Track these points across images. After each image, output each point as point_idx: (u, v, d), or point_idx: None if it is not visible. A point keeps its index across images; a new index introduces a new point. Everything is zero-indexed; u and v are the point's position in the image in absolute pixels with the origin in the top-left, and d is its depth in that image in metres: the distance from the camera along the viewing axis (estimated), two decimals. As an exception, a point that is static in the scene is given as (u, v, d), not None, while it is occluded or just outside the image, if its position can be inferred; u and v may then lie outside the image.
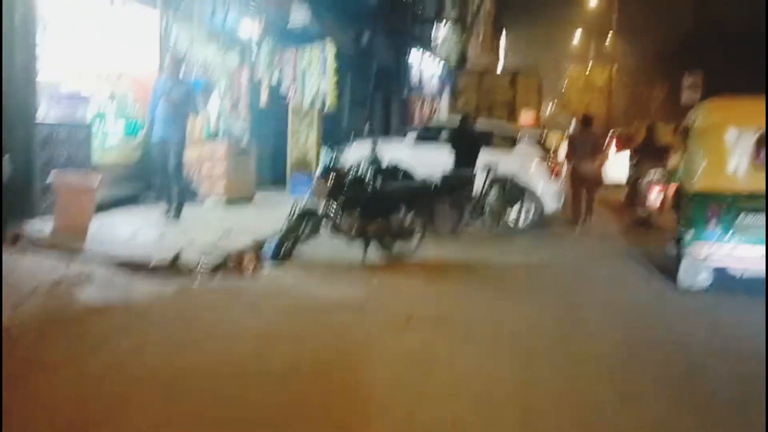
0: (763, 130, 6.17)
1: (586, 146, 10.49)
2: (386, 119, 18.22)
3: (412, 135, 11.80)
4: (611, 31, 37.09)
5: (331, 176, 7.18)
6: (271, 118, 12.36)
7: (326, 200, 7.20)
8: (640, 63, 39.18)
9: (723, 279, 6.47)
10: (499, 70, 24.80)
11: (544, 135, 12.58)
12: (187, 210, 8.37)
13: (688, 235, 6.58)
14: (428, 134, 12.17)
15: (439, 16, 23.42)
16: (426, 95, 23.29)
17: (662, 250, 7.80)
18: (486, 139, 11.56)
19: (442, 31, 25.82)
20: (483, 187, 10.18)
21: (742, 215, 6.26)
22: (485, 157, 10.43)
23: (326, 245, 7.56)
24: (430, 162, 10.60)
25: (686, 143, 7.29)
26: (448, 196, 9.55)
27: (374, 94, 16.31)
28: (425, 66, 22.71)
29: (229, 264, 6.42)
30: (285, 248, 7.10)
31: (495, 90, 19.26)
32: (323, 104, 11.89)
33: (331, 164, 7.50)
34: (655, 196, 10.76)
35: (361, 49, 14.97)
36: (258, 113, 12.01)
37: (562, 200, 11.22)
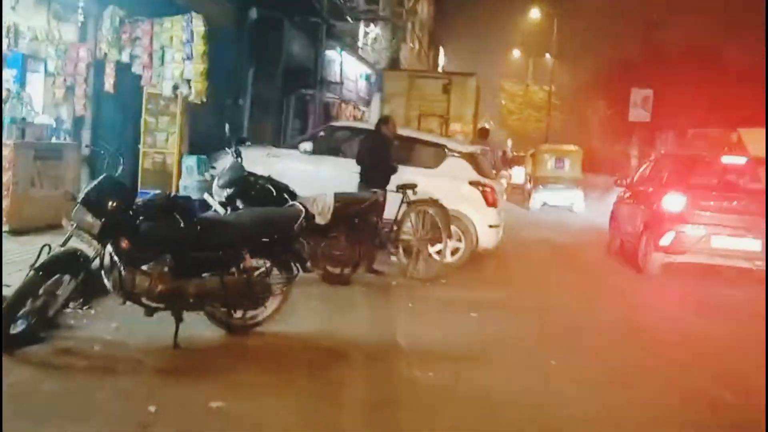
0: (557, 154, 19.19)
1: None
2: (291, 123, 15.20)
3: (309, 142, 8.83)
4: (549, 51, 35.82)
5: (109, 199, 4.12)
6: (126, 110, 9.22)
7: (104, 240, 4.15)
8: (581, 82, 38.27)
9: (544, 206, 18.13)
10: (433, 75, 22.15)
11: (479, 151, 10.01)
12: None
13: (532, 191, 18.56)
14: (332, 141, 9.39)
15: (368, 12, 20.68)
16: (349, 99, 20.47)
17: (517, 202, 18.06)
18: (407, 150, 8.92)
19: (371, 30, 23.17)
20: (398, 213, 7.40)
21: (549, 185, 18.20)
22: (405, 174, 7.73)
23: (124, 313, 4.54)
24: (330, 177, 7.98)
25: (532, 159, 19.95)
26: (343, 226, 6.72)
27: (275, 92, 13.28)
28: (349, 66, 19.89)
29: None
30: (27, 324, 4.04)
31: (427, 97, 16.47)
32: (188, 96, 8.79)
33: (117, 178, 4.36)
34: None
35: (252, 30, 11.91)
36: (105, 104, 8.89)
37: (501, 232, 8.62)
